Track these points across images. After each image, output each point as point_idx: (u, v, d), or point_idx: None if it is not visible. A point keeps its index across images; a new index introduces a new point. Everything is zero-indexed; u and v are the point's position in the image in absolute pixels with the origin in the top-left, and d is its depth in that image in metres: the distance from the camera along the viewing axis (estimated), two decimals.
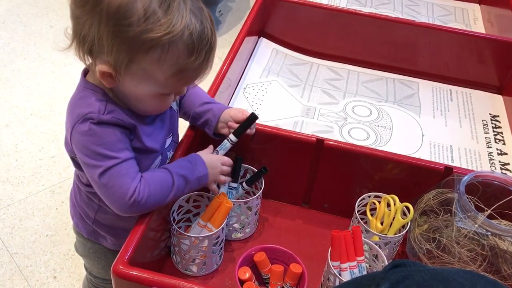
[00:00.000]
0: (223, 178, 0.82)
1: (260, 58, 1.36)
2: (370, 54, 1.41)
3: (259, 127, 0.94)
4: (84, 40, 0.64)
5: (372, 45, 1.40)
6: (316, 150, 0.94)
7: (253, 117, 0.84)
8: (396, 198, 0.89)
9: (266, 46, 1.41)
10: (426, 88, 1.36)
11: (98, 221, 0.84)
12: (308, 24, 1.41)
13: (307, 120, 1.19)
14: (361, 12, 1.38)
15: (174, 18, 0.61)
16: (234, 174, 0.92)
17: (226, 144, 0.84)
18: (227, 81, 1.14)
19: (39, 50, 2.12)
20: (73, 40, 0.66)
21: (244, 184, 0.93)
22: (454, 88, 1.37)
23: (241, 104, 1.20)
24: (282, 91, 1.28)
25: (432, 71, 1.39)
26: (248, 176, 0.95)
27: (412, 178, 0.92)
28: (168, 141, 0.80)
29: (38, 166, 1.62)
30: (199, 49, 0.63)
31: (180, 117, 0.88)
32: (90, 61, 0.67)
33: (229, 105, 1.18)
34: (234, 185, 0.92)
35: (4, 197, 1.52)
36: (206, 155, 0.80)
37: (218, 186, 0.93)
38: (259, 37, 1.43)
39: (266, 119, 1.17)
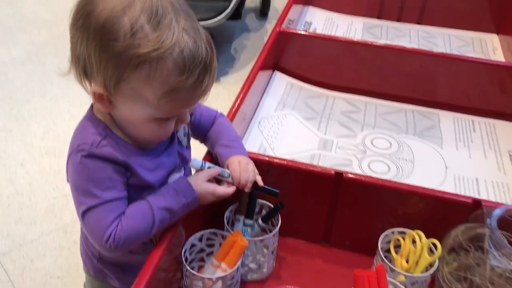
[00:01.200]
0: (220, 191, 0.75)
1: (274, 91, 1.34)
2: (387, 85, 1.38)
3: (275, 160, 0.90)
4: (78, 60, 0.63)
5: (389, 77, 1.37)
6: (335, 184, 0.89)
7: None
8: (422, 234, 0.84)
9: (280, 80, 1.39)
10: (447, 119, 1.32)
11: (103, 259, 0.81)
12: (323, 57, 1.40)
13: (324, 153, 1.16)
14: (376, 44, 1.36)
15: (164, 34, 0.59)
16: (248, 210, 0.88)
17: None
18: (241, 115, 1.11)
19: (55, 89, 2.13)
20: (71, 62, 0.64)
21: (259, 221, 0.89)
22: (476, 118, 1.33)
23: (256, 137, 1.17)
24: (297, 124, 1.25)
25: (453, 101, 1.35)
26: (263, 212, 0.91)
27: (438, 213, 0.87)
28: (179, 175, 0.77)
29: (52, 205, 1.60)
30: (191, 68, 0.60)
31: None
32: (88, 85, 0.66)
33: (244, 139, 1.15)
34: (249, 222, 0.88)
35: (17, 237, 1.49)
36: (195, 176, 0.75)
37: (233, 224, 0.89)
38: (273, 71, 1.42)
39: (281, 153, 1.13)
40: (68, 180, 0.71)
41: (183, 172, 0.78)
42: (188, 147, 0.80)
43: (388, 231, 0.87)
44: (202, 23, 1.80)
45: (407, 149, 1.19)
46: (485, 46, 1.66)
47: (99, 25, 0.59)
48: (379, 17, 1.87)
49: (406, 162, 1.15)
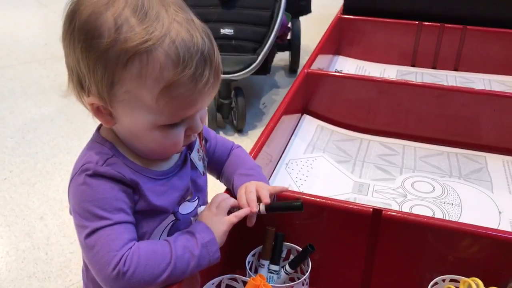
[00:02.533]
0: (232, 219, 0.64)
1: (303, 134, 1.26)
2: (425, 128, 1.28)
3: (304, 197, 0.80)
4: (72, 73, 0.58)
5: (428, 119, 1.28)
6: (374, 223, 0.78)
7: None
8: (480, 281, 0.71)
9: (310, 123, 1.31)
10: (495, 162, 1.20)
11: None
12: (355, 98, 1.32)
13: (360, 197, 1.05)
14: (413, 83, 1.28)
15: (152, 26, 0.53)
16: (274, 254, 0.77)
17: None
18: (266, 157, 1.03)
19: (82, 144, 2.07)
20: (68, 80, 0.59)
21: (286, 267, 0.78)
22: None
23: (283, 179, 1.07)
24: (329, 167, 1.15)
25: (500, 143, 1.23)
26: (291, 257, 0.80)
27: (497, 257, 0.74)
28: (192, 205, 0.68)
29: (68, 259, 1.50)
30: (186, 59, 0.54)
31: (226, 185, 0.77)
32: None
33: (270, 181, 1.06)
34: (275, 268, 0.77)
35: None
36: (205, 212, 0.65)
37: (256, 270, 0.78)
38: (302, 115, 1.34)
39: None
40: (70, 212, 0.63)
41: (196, 202, 0.69)
42: (205, 174, 0.72)
43: (437, 279, 0.75)
44: (230, 75, 1.77)
45: (452, 193, 1.07)
46: None
47: (82, 24, 0.54)
48: (412, 65, 1.81)
49: (452, 207, 1.02)
